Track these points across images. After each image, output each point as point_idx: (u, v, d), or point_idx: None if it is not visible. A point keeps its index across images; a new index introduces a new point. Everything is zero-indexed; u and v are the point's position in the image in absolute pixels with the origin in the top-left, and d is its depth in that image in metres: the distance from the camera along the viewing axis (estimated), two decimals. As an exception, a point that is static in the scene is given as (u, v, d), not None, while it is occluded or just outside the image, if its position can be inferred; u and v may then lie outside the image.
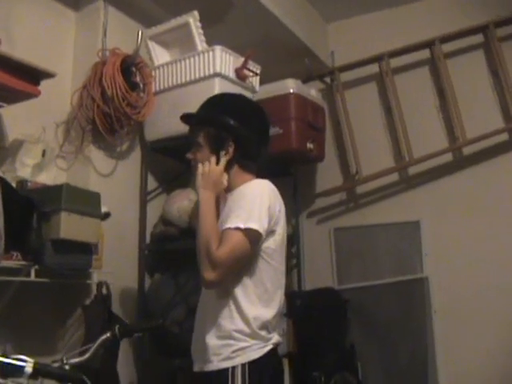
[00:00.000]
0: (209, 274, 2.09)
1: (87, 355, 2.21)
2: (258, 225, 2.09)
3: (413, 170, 4.13)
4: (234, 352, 2.11)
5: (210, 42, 3.27)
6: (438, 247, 3.97)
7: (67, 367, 2.10)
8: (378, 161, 4.17)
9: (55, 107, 3.19)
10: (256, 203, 2.13)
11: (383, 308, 4.02)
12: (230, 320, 2.14)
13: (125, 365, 3.19)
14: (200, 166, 2.27)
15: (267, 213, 2.13)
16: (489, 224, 3.86)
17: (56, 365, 2.05)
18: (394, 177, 4.19)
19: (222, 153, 2.24)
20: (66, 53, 3.37)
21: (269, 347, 2.16)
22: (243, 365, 2.09)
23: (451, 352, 3.81)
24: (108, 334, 2.27)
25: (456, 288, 3.87)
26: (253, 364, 2.10)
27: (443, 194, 4.03)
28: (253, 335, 2.12)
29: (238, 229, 2.08)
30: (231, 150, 2.24)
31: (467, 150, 3.99)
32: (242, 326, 2.13)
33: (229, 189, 2.28)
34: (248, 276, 2.16)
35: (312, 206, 4.47)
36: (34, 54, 2.88)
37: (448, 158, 4.04)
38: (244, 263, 2.14)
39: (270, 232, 2.17)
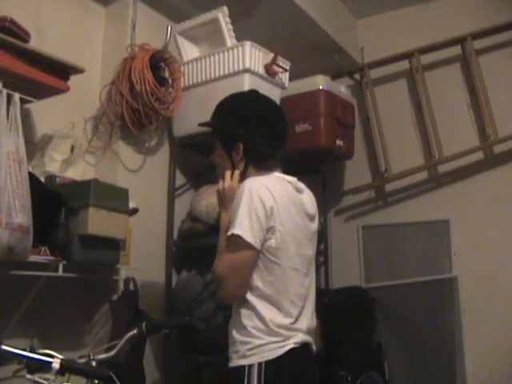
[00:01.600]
0: (219, 293, 2.20)
1: (114, 351, 2.21)
2: (240, 229, 2.05)
3: (442, 169, 4.07)
4: (250, 350, 2.08)
5: (239, 37, 3.26)
6: (467, 247, 3.91)
7: (94, 363, 2.11)
8: (408, 159, 4.13)
9: (84, 103, 3.19)
10: (240, 205, 2.09)
11: (411, 307, 3.98)
12: (248, 317, 2.11)
13: (151, 360, 3.20)
14: (220, 183, 2.30)
15: (254, 213, 2.07)
16: (519, 224, 3.80)
17: (83, 360, 2.06)
18: (424, 175, 4.14)
19: (234, 154, 2.27)
20: (95, 48, 3.37)
21: (289, 346, 2.09)
22: (260, 364, 2.05)
23: (479, 352, 3.76)
24: (135, 331, 2.28)
25: (485, 288, 3.81)
26: (269, 363, 2.05)
27: (473, 192, 3.97)
28: (270, 333, 2.08)
29: (228, 238, 2.10)
30: (241, 151, 2.25)
31: (498, 149, 3.92)
32: (258, 323, 2.09)
33: None
34: (257, 278, 2.12)
35: (340, 203, 4.43)
36: (63, 49, 2.89)
37: (479, 156, 3.97)
38: (250, 268, 2.10)
39: (268, 230, 2.10)
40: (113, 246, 2.76)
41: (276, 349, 2.07)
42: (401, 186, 4.18)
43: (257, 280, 2.12)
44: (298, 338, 2.14)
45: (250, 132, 2.26)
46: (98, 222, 2.61)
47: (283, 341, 2.09)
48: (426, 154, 4.12)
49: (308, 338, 2.20)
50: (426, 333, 3.90)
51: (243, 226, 2.06)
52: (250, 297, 2.12)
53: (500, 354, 3.72)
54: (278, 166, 2.31)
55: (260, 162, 2.28)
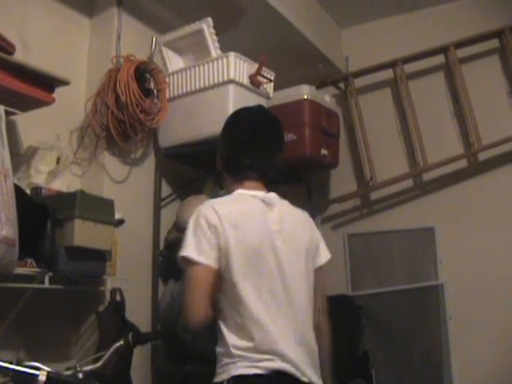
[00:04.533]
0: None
1: (100, 363, 2.22)
2: (185, 251, 2.06)
3: (427, 176, 4.11)
4: (220, 367, 2.06)
5: (224, 48, 3.26)
6: (452, 254, 3.95)
7: (80, 375, 2.11)
8: (393, 167, 4.16)
9: (70, 114, 3.18)
10: (188, 229, 2.11)
11: (397, 315, 4.00)
12: (219, 339, 2.11)
13: (138, 370, 3.19)
14: None
15: (200, 232, 2.07)
16: (504, 231, 3.84)
17: (69, 372, 2.06)
18: (409, 183, 4.18)
19: (217, 165, 2.38)
20: (80, 60, 3.36)
21: (257, 370, 1.98)
22: (227, 381, 2.00)
23: (466, 359, 3.78)
24: (121, 342, 2.29)
25: (471, 295, 3.85)
26: (236, 380, 1.98)
27: (458, 200, 4.01)
28: (234, 357, 2.02)
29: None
30: (220, 162, 2.36)
31: (482, 156, 3.96)
32: (223, 347, 2.07)
33: None
34: (222, 300, 2.09)
35: (326, 212, 4.45)
36: (48, 61, 2.88)
37: (463, 164, 4.02)
38: (203, 286, 2.05)
39: (218, 248, 2.07)
40: (99, 257, 2.76)
41: (243, 368, 1.99)
42: (386, 194, 4.22)
43: (222, 302, 2.09)
44: (270, 363, 2.00)
45: (226, 146, 2.34)
46: (84, 233, 2.60)
47: (251, 362, 1.99)
48: (411, 162, 4.15)
49: (286, 366, 2.02)
50: (412, 340, 3.92)
51: (188, 247, 2.05)
52: (218, 320, 2.09)
53: (486, 360, 3.75)
54: (254, 178, 2.27)
55: (234, 173, 2.30)
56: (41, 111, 2.72)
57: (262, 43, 3.78)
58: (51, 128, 3.01)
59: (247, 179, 2.27)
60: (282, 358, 2.03)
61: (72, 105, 3.19)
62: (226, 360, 2.04)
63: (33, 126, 2.90)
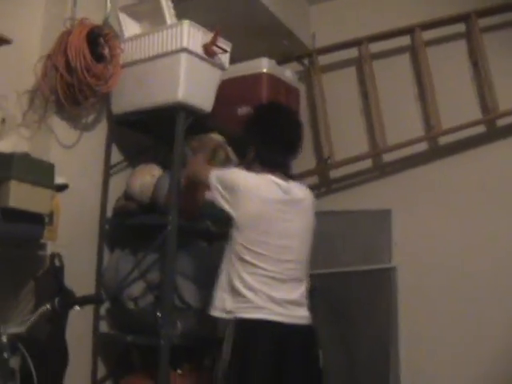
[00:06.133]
0: None
1: (25, 326, 2.21)
2: None
3: (387, 158, 4.09)
4: None
5: (186, 17, 3.16)
6: (408, 237, 3.92)
7: (4, 338, 2.10)
8: (353, 147, 4.13)
9: (21, 75, 3.11)
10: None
11: (350, 296, 3.98)
12: None
13: (80, 337, 3.18)
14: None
15: None
16: (459, 216, 3.82)
17: (-7, 334, 2.05)
18: (368, 164, 4.15)
19: (248, 155, 2.88)
20: (35, 21, 3.28)
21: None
22: None
23: (415, 343, 3.78)
24: (48, 306, 2.27)
25: (424, 279, 3.85)
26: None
27: (416, 183, 4.00)
28: None
29: None
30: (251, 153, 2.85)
31: (443, 140, 3.93)
32: None
33: None
34: None
35: (284, 189, 4.41)
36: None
37: (423, 147, 4.00)
38: None
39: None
40: (36, 220, 2.71)
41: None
42: (345, 174, 4.19)
43: None
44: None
45: (263, 143, 2.81)
46: (20, 195, 2.55)
47: None
48: (371, 142, 4.12)
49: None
50: (363, 322, 3.90)
51: None
52: None
53: (434, 345, 3.75)
54: (278, 169, 2.79)
55: (265, 165, 2.78)
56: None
57: (224, 15, 3.69)
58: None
59: (276, 170, 2.78)
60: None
61: (24, 66, 3.11)
62: None
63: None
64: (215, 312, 2.63)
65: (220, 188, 2.67)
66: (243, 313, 2.55)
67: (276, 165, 2.80)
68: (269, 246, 2.63)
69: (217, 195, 2.69)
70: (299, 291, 2.74)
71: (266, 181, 2.71)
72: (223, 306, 2.60)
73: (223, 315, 2.60)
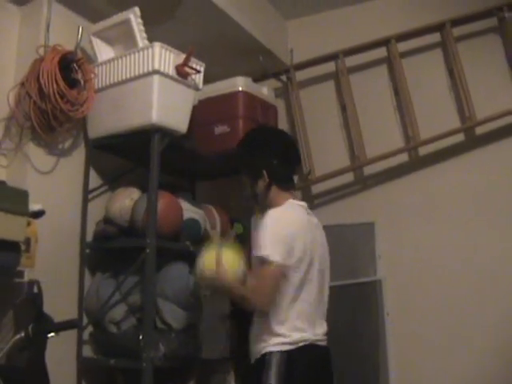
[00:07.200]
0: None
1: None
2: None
3: (368, 171, 4.09)
4: None
5: (160, 39, 3.18)
6: (391, 250, 3.93)
7: (-21, 368, 2.10)
8: (334, 161, 4.12)
9: (-4, 103, 3.15)
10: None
11: (335, 310, 3.95)
12: None
13: (64, 363, 3.17)
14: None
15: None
16: (443, 227, 3.82)
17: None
18: (350, 177, 4.15)
19: (261, 181, 2.84)
20: (9, 49, 3.31)
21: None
22: None
23: (403, 355, 3.77)
24: (22, 334, 2.28)
25: (409, 291, 3.85)
26: None
27: (398, 195, 3.99)
28: None
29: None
30: (266, 176, 2.83)
31: (423, 151, 3.94)
32: None
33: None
34: None
35: (265, 206, 4.42)
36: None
37: (404, 158, 4.00)
38: None
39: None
40: (11, 248, 2.71)
41: None
42: (326, 188, 4.19)
43: None
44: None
45: (278, 164, 2.84)
46: (-7, 223, 2.57)
47: None
48: (352, 156, 4.11)
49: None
50: (350, 335, 3.88)
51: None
52: None
53: (422, 356, 3.74)
54: (292, 187, 2.95)
55: (283, 186, 2.85)
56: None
57: (200, 35, 3.70)
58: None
59: (291, 189, 2.93)
60: None
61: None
62: None
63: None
64: None
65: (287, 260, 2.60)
66: None
67: (292, 182, 2.96)
68: None
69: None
70: None
71: (296, 211, 2.83)
72: None
73: None
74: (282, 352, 2.58)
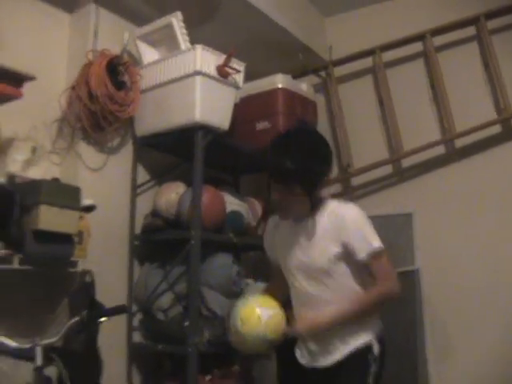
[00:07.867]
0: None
1: (56, 337, 2.41)
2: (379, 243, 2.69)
3: (406, 163, 4.19)
4: None
5: (201, 41, 3.34)
6: (429, 240, 4.02)
7: (39, 348, 2.31)
8: (372, 154, 4.25)
9: (48, 107, 3.32)
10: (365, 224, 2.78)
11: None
12: None
13: (115, 348, 3.38)
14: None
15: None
16: (481, 218, 3.90)
17: (28, 346, 2.26)
18: (388, 169, 4.26)
19: (318, 189, 2.61)
20: (60, 55, 3.52)
21: None
22: None
23: (441, 344, 3.87)
24: (77, 318, 2.46)
25: (447, 281, 3.93)
26: None
27: (436, 186, 4.09)
28: None
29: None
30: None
31: (460, 143, 4.02)
32: None
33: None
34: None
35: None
36: (29, 56, 3.16)
37: (440, 150, 4.09)
38: None
39: None
40: (66, 240, 2.91)
41: None
42: (366, 181, 4.32)
43: None
44: None
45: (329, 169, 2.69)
46: (49, 218, 2.76)
47: None
48: (390, 148, 4.23)
49: None
50: (388, 325, 3.97)
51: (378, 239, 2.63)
52: None
53: (461, 344, 3.84)
54: None
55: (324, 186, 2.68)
56: (18, 105, 2.89)
57: (240, 36, 3.86)
58: (29, 120, 3.18)
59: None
60: None
61: (52, 98, 3.33)
62: None
63: (11, 118, 3.05)
64: None
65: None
66: None
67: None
68: None
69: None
70: None
71: None
72: None
73: None
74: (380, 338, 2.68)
